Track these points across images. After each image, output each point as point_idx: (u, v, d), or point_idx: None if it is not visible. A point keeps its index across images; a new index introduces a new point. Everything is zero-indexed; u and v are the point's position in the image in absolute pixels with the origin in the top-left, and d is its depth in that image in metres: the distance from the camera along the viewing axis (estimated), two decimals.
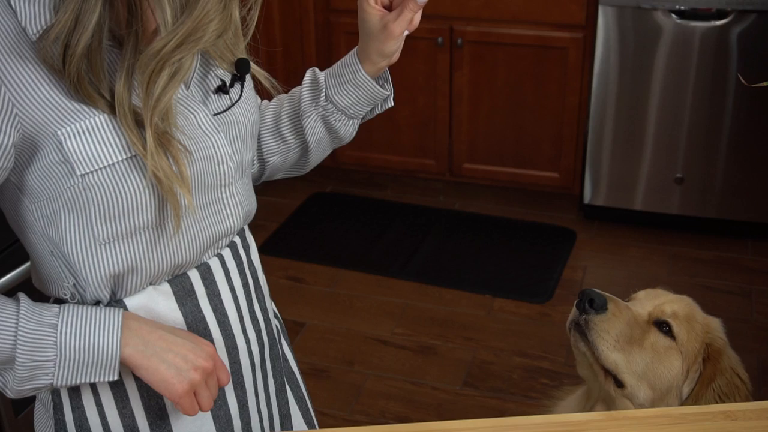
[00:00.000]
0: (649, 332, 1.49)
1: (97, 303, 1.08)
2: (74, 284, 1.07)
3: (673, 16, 3.13)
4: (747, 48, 3.10)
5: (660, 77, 3.23)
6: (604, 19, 3.19)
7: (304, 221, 3.68)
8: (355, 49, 1.26)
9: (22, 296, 1.03)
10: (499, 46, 3.40)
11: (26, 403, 2.07)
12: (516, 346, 2.85)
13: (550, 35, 3.32)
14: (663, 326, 1.50)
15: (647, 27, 3.17)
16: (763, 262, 3.28)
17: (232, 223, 1.15)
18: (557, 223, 3.59)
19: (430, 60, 3.50)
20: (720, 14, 3.09)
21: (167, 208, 1.04)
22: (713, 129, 3.25)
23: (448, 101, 3.55)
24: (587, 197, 3.51)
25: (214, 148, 1.08)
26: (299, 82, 1.31)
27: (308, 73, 1.29)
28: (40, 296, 1.11)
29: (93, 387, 1.10)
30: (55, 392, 1.12)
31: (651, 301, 1.55)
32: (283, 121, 1.30)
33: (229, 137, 1.11)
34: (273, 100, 1.33)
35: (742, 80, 3.02)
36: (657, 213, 3.46)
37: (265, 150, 1.31)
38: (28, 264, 2.01)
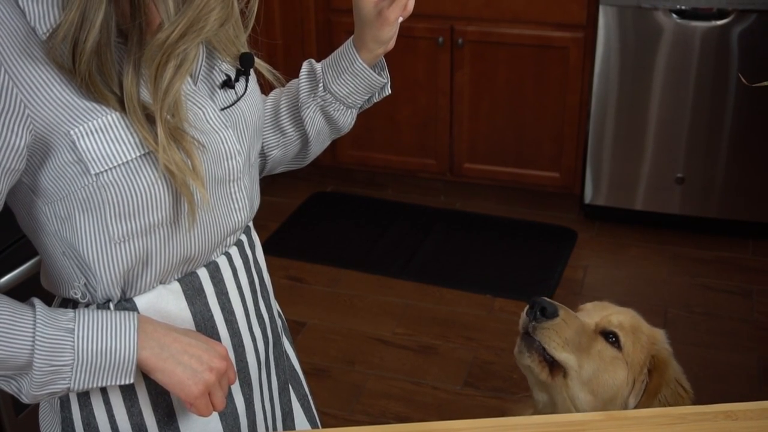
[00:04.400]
0: (596, 341, 1.52)
1: (108, 302, 1.08)
2: (85, 284, 1.08)
3: (674, 15, 3.13)
4: (748, 48, 3.10)
5: (661, 77, 3.23)
6: (604, 19, 3.19)
7: (305, 221, 3.68)
8: (351, 38, 1.27)
9: (36, 301, 1.03)
10: (500, 46, 3.40)
11: (29, 403, 2.07)
12: None
13: (551, 35, 3.32)
14: (610, 336, 1.53)
15: (648, 27, 3.17)
16: (764, 262, 3.28)
17: (240, 218, 1.15)
18: (558, 223, 3.59)
19: (431, 60, 3.50)
20: (721, 14, 3.09)
21: (182, 204, 1.04)
22: (714, 129, 3.25)
23: (448, 101, 3.55)
24: (588, 197, 3.51)
25: (223, 144, 1.09)
26: None
27: (305, 65, 1.30)
28: (46, 296, 1.11)
29: (102, 387, 1.10)
30: None
31: (598, 312, 1.58)
32: (282, 114, 1.31)
33: (237, 132, 1.12)
34: (270, 95, 1.33)
35: (743, 80, 3.02)
36: (658, 213, 3.45)
37: (265, 144, 1.31)
38: (30, 263, 2.02)
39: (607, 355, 1.51)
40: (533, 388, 1.57)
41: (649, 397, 1.51)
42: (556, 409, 1.53)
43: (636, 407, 1.51)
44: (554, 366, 1.50)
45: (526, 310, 1.52)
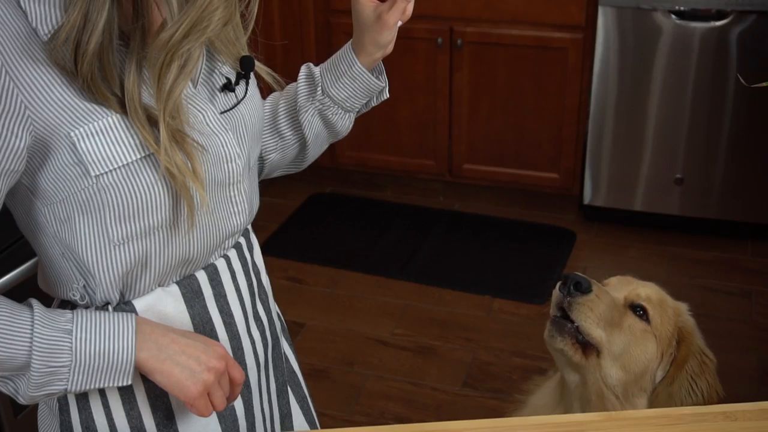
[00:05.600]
0: (626, 315, 1.54)
1: (106, 305, 1.08)
2: (84, 286, 1.07)
3: (673, 16, 3.13)
4: (747, 48, 3.10)
5: (660, 78, 3.23)
6: (603, 20, 3.20)
7: (304, 222, 3.68)
8: (349, 42, 1.27)
9: (34, 302, 1.03)
10: (499, 47, 3.40)
11: (26, 404, 2.07)
12: (516, 346, 2.85)
13: (550, 36, 3.32)
14: (638, 310, 1.55)
15: (647, 28, 3.17)
16: (763, 263, 3.28)
17: (239, 221, 1.15)
18: (557, 224, 3.59)
19: (430, 61, 3.50)
20: (719, 15, 3.09)
21: (181, 206, 1.04)
22: (713, 129, 3.25)
23: (447, 102, 3.55)
24: (587, 198, 3.51)
25: (223, 147, 1.09)
26: None
27: (303, 69, 1.30)
28: (43, 298, 1.11)
29: (101, 389, 1.10)
30: None
31: (624, 287, 1.60)
32: (280, 117, 1.31)
33: (237, 135, 1.12)
34: (268, 98, 1.33)
35: (742, 81, 3.02)
36: (657, 214, 3.46)
37: (263, 147, 1.31)
38: (28, 264, 2.01)
39: (637, 329, 1.53)
40: (563, 369, 1.57)
41: (676, 369, 1.53)
42: (586, 389, 1.54)
43: (663, 379, 1.53)
44: (586, 347, 1.51)
45: (558, 286, 1.52)
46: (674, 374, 1.52)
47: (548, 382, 1.71)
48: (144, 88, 0.99)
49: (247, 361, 1.20)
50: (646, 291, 1.58)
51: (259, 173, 1.34)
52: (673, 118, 3.27)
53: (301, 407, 1.37)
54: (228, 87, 1.12)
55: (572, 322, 1.51)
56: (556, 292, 1.53)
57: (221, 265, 1.15)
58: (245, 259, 1.20)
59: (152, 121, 0.99)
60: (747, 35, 3.08)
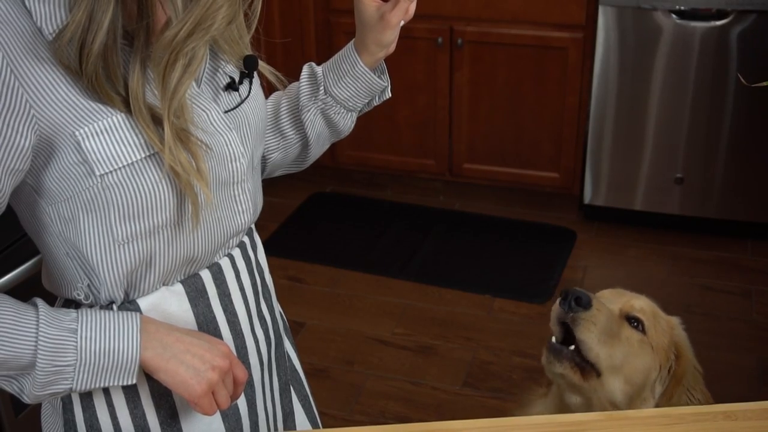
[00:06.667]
0: (623, 327, 1.56)
1: (111, 304, 1.08)
2: (89, 285, 1.08)
3: (673, 16, 3.13)
4: (747, 48, 3.10)
5: (660, 77, 3.23)
6: (604, 19, 3.20)
7: (304, 221, 3.68)
8: (352, 41, 1.27)
9: (39, 301, 1.03)
10: (499, 47, 3.40)
11: (30, 403, 2.07)
12: (516, 346, 2.85)
13: (550, 35, 3.32)
14: (633, 321, 1.57)
15: (647, 27, 3.17)
16: (763, 262, 3.28)
17: (243, 220, 1.15)
18: (557, 224, 3.59)
19: (430, 60, 3.50)
20: (720, 14, 3.09)
21: (186, 205, 1.04)
22: (713, 129, 3.25)
23: (448, 101, 3.56)
24: (587, 197, 3.51)
25: (227, 146, 1.09)
26: None
27: (305, 68, 1.30)
28: (47, 296, 1.11)
29: (105, 388, 1.10)
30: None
31: (618, 299, 1.62)
32: (282, 117, 1.31)
33: (241, 134, 1.12)
34: (270, 97, 1.33)
35: (742, 80, 3.02)
36: (657, 213, 3.46)
37: (265, 147, 1.31)
38: (30, 263, 2.02)
39: (634, 340, 1.54)
40: (564, 392, 1.58)
41: (675, 384, 1.55)
42: (591, 408, 1.55)
43: (663, 393, 1.55)
44: (584, 369, 1.52)
45: (558, 301, 1.54)
46: (673, 390, 1.54)
47: (545, 400, 1.71)
48: (148, 87, 1.00)
49: (251, 360, 1.20)
50: (640, 303, 1.60)
51: (262, 173, 1.34)
52: (673, 117, 3.27)
53: (303, 406, 1.37)
54: (231, 86, 1.13)
55: (570, 344, 1.52)
56: (555, 308, 1.55)
57: (225, 264, 1.16)
58: (249, 258, 1.20)
59: (157, 120, 0.99)
60: (747, 35, 3.08)
